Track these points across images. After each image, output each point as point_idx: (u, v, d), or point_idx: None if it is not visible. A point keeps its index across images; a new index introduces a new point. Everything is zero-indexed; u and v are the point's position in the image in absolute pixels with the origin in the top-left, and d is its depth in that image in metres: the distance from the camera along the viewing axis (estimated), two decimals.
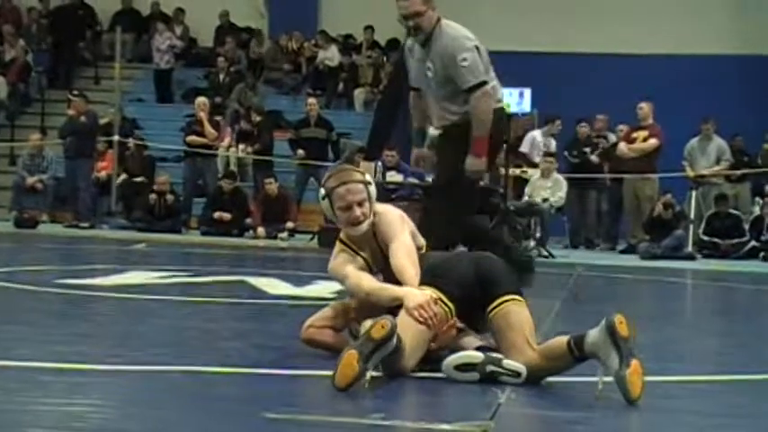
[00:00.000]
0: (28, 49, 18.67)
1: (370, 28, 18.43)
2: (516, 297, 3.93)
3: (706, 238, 13.64)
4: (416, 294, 3.86)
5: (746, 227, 13.74)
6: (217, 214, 14.16)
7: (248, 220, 14.28)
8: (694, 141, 14.39)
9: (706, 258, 13.18)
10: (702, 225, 13.75)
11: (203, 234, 14.03)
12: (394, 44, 17.25)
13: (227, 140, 15.77)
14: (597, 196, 14.56)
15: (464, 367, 3.78)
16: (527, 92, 12.33)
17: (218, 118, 15.92)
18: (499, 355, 3.81)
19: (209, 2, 19.16)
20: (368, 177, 4.25)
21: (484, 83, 5.82)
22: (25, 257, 10.13)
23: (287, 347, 4.42)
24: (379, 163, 13.07)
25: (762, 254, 13.24)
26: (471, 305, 3.92)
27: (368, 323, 3.74)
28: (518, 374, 3.74)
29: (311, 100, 15.81)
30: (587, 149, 14.53)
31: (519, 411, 3.50)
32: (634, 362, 3.50)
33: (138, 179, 15.37)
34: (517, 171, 13.87)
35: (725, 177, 14.53)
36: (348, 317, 4.23)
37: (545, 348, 3.81)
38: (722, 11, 18.16)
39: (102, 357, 4.09)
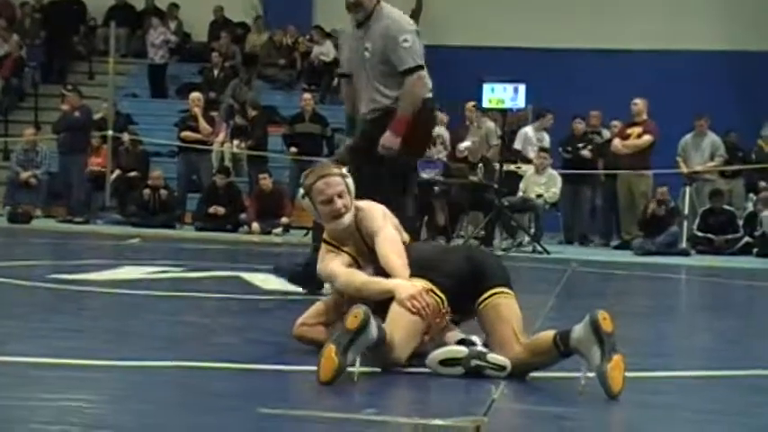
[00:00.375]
0: (21, 43, 18.59)
1: None
2: (506, 290, 3.95)
3: (700, 233, 13.64)
4: (408, 285, 3.87)
5: (740, 223, 13.76)
6: (212, 208, 14.15)
7: (242, 216, 14.27)
8: (688, 137, 14.39)
9: (700, 254, 13.18)
10: (696, 221, 13.75)
11: (197, 229, 14.02)
12: None
13: (221, 136, 15.75)
14: (591, 192, 14.55)
15: (449, 362, 3.79)
16: (521, 87, 12.26)
17: (213, 113, 15.91)
18: (483, 349, 3.83)
19: None
20: (344, 170, 4.28)
21: (420, 67, 5.85)
22: (19, 252, 10.12)
23: (281, 343, 4.43)
24: None
25: (755, 250, 13.25)
26: (462, 297, 3.93)
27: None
28: (503, 368, 3.76)
29: (306, 95, 15.81)
30: (582, 145, 14.53)
31: (513, 407, 3.50)
32: (616, 357, 3.51)
33: (133, 174, 15.36)
34: (511, 167, 13.86)
35: (719, 173, 14.52)
36: (340, 311, 4.24)
37: (531, 343, 3.83)
38: (715, 7, 18.19)
39: (95, 352, 4.10)
